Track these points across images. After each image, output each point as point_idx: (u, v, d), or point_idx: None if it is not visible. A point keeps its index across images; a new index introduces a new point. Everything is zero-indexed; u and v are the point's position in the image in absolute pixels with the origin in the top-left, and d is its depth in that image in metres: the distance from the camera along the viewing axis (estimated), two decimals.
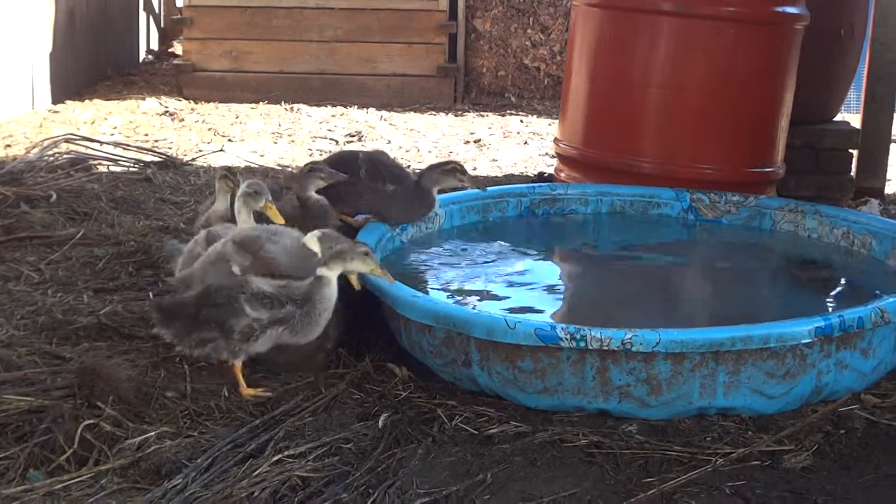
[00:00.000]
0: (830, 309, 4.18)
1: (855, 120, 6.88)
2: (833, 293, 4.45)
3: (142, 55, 11.77)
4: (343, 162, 4.60)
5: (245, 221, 4.00)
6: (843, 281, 4.63)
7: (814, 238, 4.93)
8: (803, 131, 6.17)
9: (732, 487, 3.06)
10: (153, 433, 3.24)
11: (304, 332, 3.57)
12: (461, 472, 3.10)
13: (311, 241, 3.75)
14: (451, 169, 4.57)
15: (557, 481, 3.07)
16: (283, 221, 3.99)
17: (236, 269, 3.66)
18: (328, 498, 2.94)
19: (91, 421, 3.23)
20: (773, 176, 5.53)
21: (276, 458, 3.11)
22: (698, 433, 3.36)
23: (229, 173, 4.46)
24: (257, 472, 3.04)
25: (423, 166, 7.00)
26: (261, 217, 4.09)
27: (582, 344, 3.33)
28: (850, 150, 6.43)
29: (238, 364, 3.56)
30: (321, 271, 3.57)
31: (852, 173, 6.49)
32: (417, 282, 4.26)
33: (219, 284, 3.57)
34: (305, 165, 4.49)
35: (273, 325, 3.51)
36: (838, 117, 6.67)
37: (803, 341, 3.42)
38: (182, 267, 4.01)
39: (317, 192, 4.40)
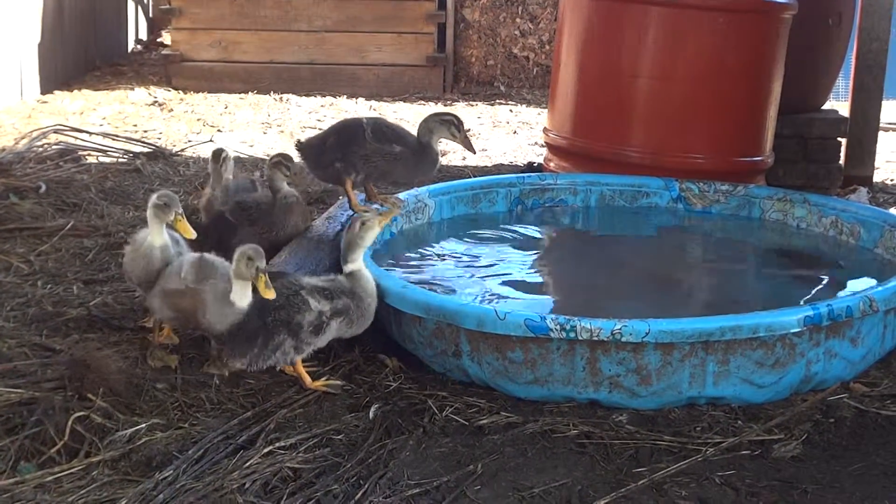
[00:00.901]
0: (819, 298, 4.19)
1: (843, 108, 6.89)
2: (822, 282, 4.46)
3: (130, 45, 11.75)
4: (347, 129, 4.62)
5: (157, 235, 3.71)
6: (831, 270, 4.64)
7: (802, 227, 4.94)
8: (792, 120, 6.19)
9: (722, 477, 3.07)
10: (144, 425, 3.25)
11: (360, 323, 3.62)
12: (452, 463, 3.11)
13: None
14: (447, 120, 4.52)
15: (548, 471, 3.08)
16: (193, 236, 3.70)
17: (183, 273, 3.56)
18: (319, 489, 2.95)
19: (82, 413, 3.23)
20: (762, 165, 5.55)
21: (267, 450, 3.11)
22: (688, 423, 3.37)
23: (217, 154, 4.44)
24: (248, 463, 3.04)
25: None
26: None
27: (572, 334, 3.34)
28: (839, 139, 6.45)
29: (299, 360, 3.56)
30: (348, 268, 3.62)
31: (841, 162, 6.51)
32: (407, 273, 4.26)
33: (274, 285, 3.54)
34: (274, 156, 4.41)
35: (335, 317, 3.53)
36: (827, 106, 6.69)
37: (792, 330, 3.43)
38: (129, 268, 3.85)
39: (329, 161, 4.42)
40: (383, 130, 4.57)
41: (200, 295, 3.50)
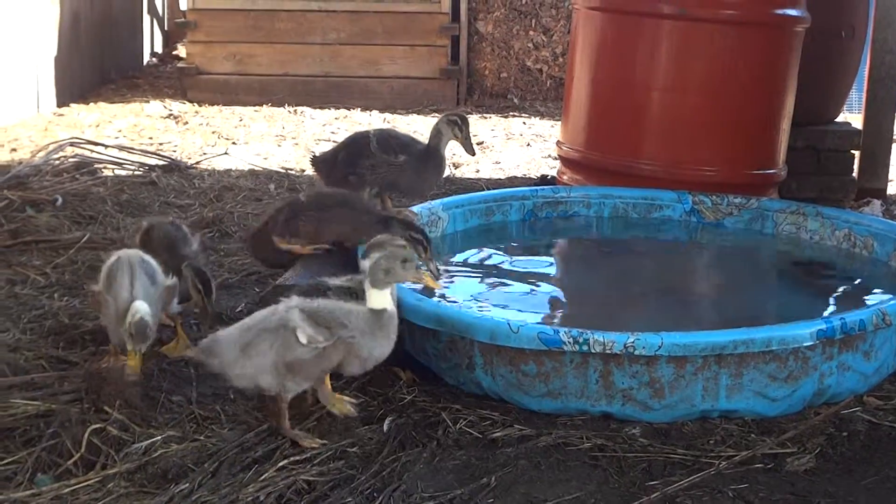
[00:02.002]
0: (832, 311, 4.19)
1: (857, 121, 6.89)
2: (835, 295, 4.46)
3: (146, 58, 11.81)
4: (356, 142, 4.69)
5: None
6: (844, 283, 4.64)
7: (816, 240, 4.94)
8: (805, 133, 6.19)
9: (735, 490, 3.07)
10: (160, 437, 3.26)
11: None
12: (466, 476, 3.12)
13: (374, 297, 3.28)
14: (452, 120, 4.55)
15: (561, 484, 3.09)
16: (137, 372, 3.48)
17: (304, 339, 3.19)
18: (334, 502, 2.96)
19: (98, 425, 3.25)
20: (775, 178, 5.55)
21: (282, 463, 3.13)
22: (701, 436, 3.38)
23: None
24: (263, 476, 3.06)
25: None
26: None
27: (585, 347, 3.35)
28: (852, 152, 6.44)
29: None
30: (364, 265, 3.56)
31: (854, 174, 6.50)
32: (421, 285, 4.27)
33: (299, 289, 3.52)
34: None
35: None
36: (840, 118, 6.69)
37: (805, 344, 3.43)
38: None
39: (341, 175, 4.48)
40: (388, 141, 4.63)
41: (350, 344, 3.24)
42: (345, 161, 4.60)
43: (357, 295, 3.51)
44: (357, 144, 4.67)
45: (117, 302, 3.57)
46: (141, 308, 3.48)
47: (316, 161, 4.83)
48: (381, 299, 3.27)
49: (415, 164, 4.57)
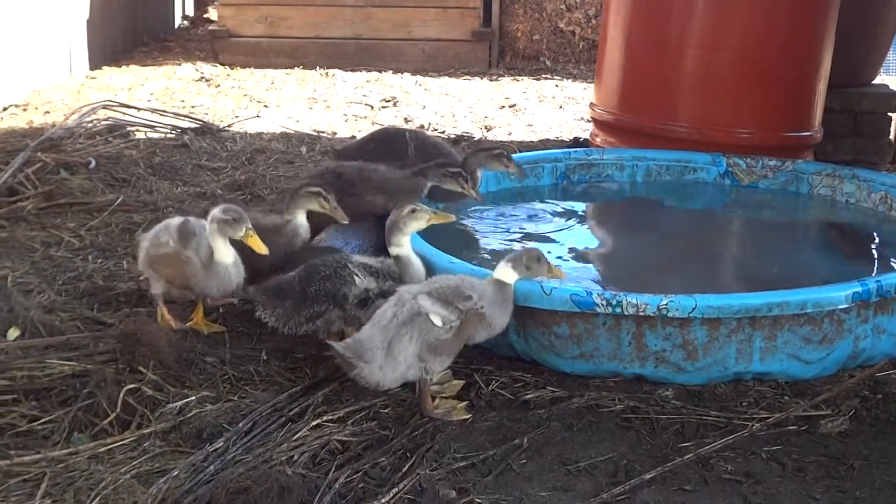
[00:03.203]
0: (868, 274, 4.16)
1: (894, 83, 6.81)
2: (870, 258, 4.43)
3: (177, 21, 11.81)
4: (389, 139, 4.65)
5: (221, 251, 3.63)
6: (880, 246, 4.60)
7: (851, 203, 4.90)
8: (842, 95, 6.13)
9: (769, 452, 3.07)
10: (194, 398, 3.29)
11: None
12: (498, 437, 3.13)
13: (505, 272, 3.41)
14: (497, 154, 4.53)
15: (594, 446, 3.09)
16: (265, 250, 3.61)
17: (438, 322, 3.22)
18: (367, 462, 2.98)
19: (133, 385, 3.28)
20: (811, 140, 5.50)
21: (315, 423, 3.15)
22: (734, 398, 3.37)
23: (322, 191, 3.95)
24: (297, 436, 3.08)
25: (459, 131, 7.01)
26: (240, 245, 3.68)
27: (618, 310, 3.34)
28: (889, 114, 6.37)
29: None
30: (393, 251, 3.62)
31: (891, 137, 6.43)
32: (454, 248, 4.26)
33: (321, 259, 3.58)
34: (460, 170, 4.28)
35: (380, 298, 3.49)
36: (877, 80, 6.61)
37: (840, 307, 3.41)
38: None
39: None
40: (427, 149, 4.58)
41: (481, 314, 3.33)
42: (373, 155, 4.53)
43: (380, 275, 3.53)
44: (389, 142, 4.62)
45: (199, 252, 3.65)
46: (189, 219, 3.65)
47: (340, 155, 4.82)
48: (510, 275, 3.40)
49: None
